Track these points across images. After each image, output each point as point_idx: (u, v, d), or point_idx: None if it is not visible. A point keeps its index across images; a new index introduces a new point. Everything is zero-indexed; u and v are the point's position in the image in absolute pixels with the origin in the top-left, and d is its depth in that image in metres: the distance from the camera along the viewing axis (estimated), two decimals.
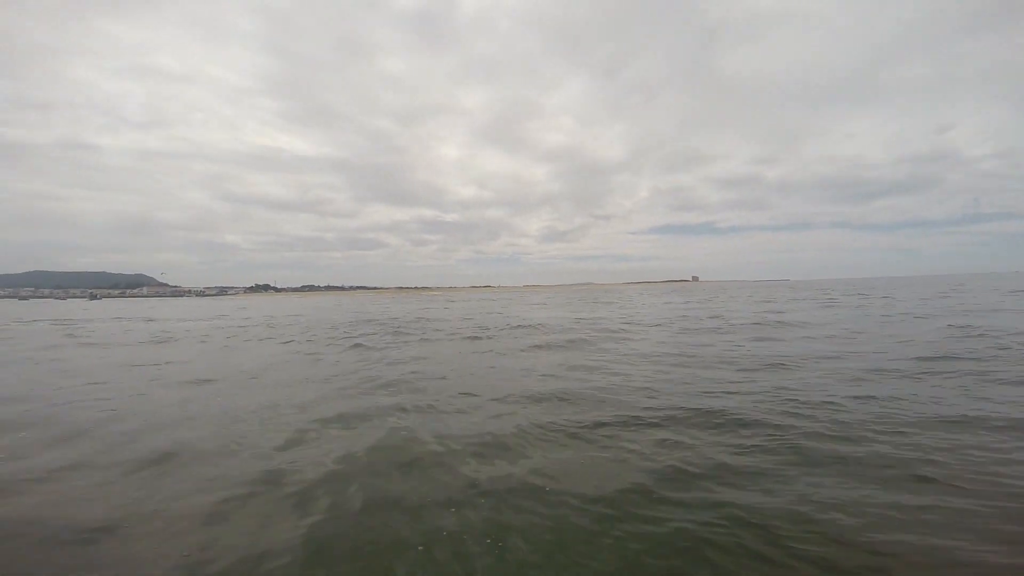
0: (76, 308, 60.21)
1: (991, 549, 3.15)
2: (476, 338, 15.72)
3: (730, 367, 9.30)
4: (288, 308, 47.25)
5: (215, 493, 4.10)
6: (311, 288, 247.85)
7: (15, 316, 37.44)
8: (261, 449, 5.15)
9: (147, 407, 7.03)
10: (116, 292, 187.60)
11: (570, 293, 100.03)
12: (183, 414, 6.60)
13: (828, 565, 3.02)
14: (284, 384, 8.61)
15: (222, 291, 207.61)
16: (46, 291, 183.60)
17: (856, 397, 6.65)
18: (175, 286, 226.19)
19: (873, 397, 6.63)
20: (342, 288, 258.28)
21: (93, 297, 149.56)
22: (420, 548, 3.26)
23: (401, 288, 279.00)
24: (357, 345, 14.17)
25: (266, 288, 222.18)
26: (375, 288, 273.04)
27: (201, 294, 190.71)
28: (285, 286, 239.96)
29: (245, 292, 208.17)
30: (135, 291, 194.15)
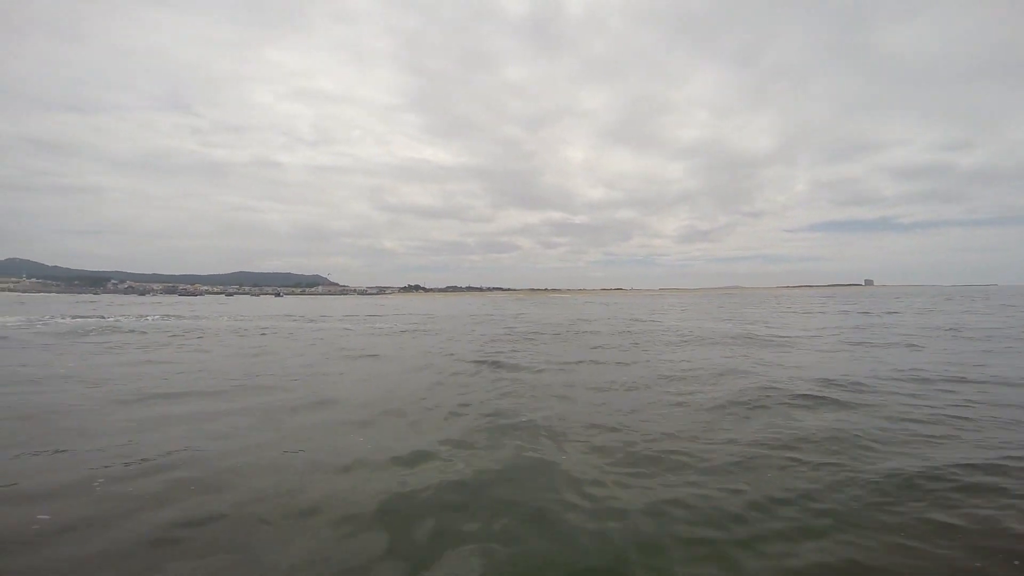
0: (274, 303, 72.06)
1: None
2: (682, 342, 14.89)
3: None
4: (452, 310, 50.14)
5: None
6: (454, 289, 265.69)
7: (271, 312, 45.11)
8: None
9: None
10: (298, 290, 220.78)
11: (715, 297, 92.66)
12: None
13: None
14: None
15: (380, 291, 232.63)
16: (246, 288, 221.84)
17: None
18: (343, 285, 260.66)
19: None
20: (480, 289, 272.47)
21: (277, 295, 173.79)
22: None
23: (532, 290, 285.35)
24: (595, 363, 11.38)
25: (416, 288, 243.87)
26: (508, 289, 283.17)
27: (364, 293, 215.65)
28: (432, 286, 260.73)
29: (399, 292, 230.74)
30: (312, 289, 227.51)
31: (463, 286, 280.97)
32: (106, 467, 4.55)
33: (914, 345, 13.48)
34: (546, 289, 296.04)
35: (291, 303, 77.12)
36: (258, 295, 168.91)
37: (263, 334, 18.73)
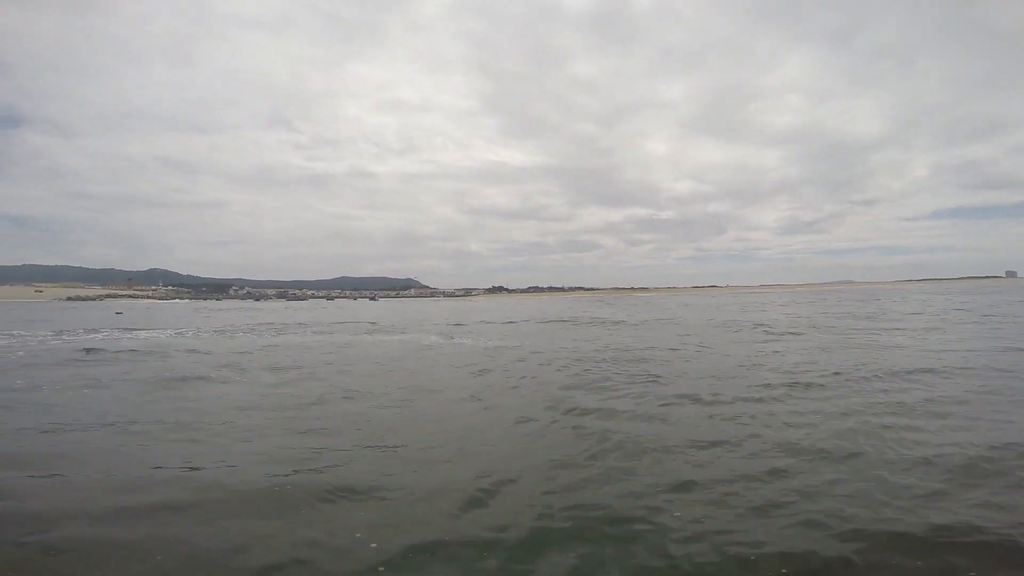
0: (370, 307, 76.73)
1: None
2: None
3: None
4: (536, 314, 50.03)
5: None
6: (536, 289, 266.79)
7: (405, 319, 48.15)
8: None
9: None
10: (392, 293, 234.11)
11: (829, 293, 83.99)
12: None
13: None
14: None
15: (467, 292, 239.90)
16: (347, 292, 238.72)
17: None
18: (433, 288, 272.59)
19: None
20: (562, 289, 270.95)
21: (373, 298, 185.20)
22: None
23: (617, 289, 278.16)
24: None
25: (500, 290, 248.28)
26: (591, 289, 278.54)
27: (452, 295, 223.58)
28: (515, 287, 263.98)
29: (484, 293, 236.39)
30: (406, 292, 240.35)
31: (544, 286, 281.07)
32: None
33: None
34: (631, 288, 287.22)
35: (384, 306, 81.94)
36: (356, 298, 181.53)
37: (328, 363, 14.71)
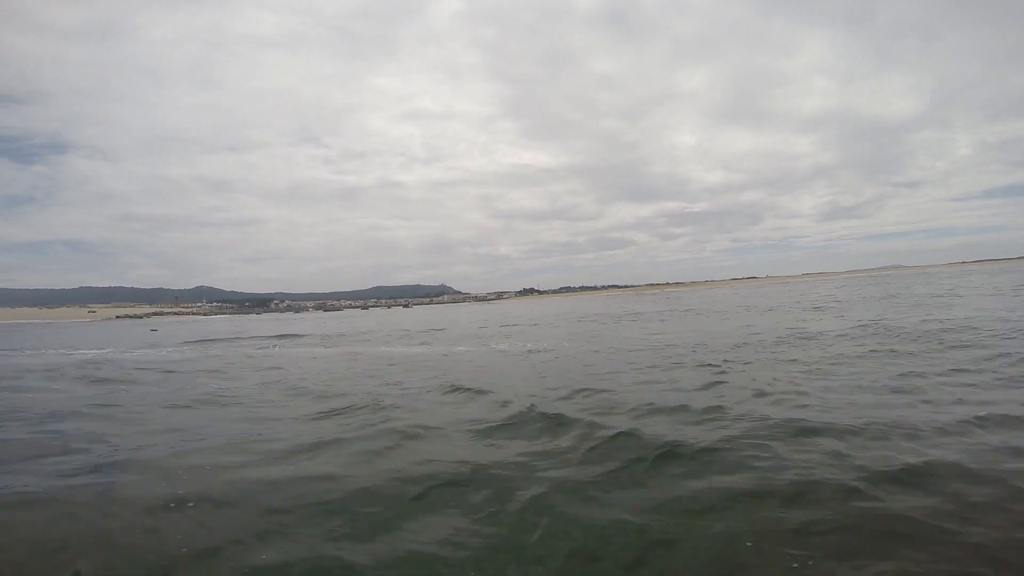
0: (403, 314, 76.68)
1: None
2: None
3: None
4: (564, 313, 48.44)
5: None
6: (567, 289, 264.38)
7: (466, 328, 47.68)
8: None
9: None
10: (427, 300, 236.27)
11: (877, 280, 78.67)
12: None
13: None
14: None
15: (498, 295, 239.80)
16: (383, 301, 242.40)
17: None
18: (465, 293, 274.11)
19: None
20: (595, 288, 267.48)
21: (406, 306, 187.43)
22: None
23: (652, 285, 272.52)
24: None
25: (531, 291, 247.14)
26: (625, 287, 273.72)
27: (484, 299, 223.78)
28: (546, 288, 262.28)
29: (516, 295, 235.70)
30: (439, 298, 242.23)
31: (576, 286, 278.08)
32: None
33: None
34: (667, 283, 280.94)
35: (417, 313, 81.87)
36: (390, 307, 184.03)
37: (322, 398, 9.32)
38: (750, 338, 14.50)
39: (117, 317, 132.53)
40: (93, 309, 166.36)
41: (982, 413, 5.53)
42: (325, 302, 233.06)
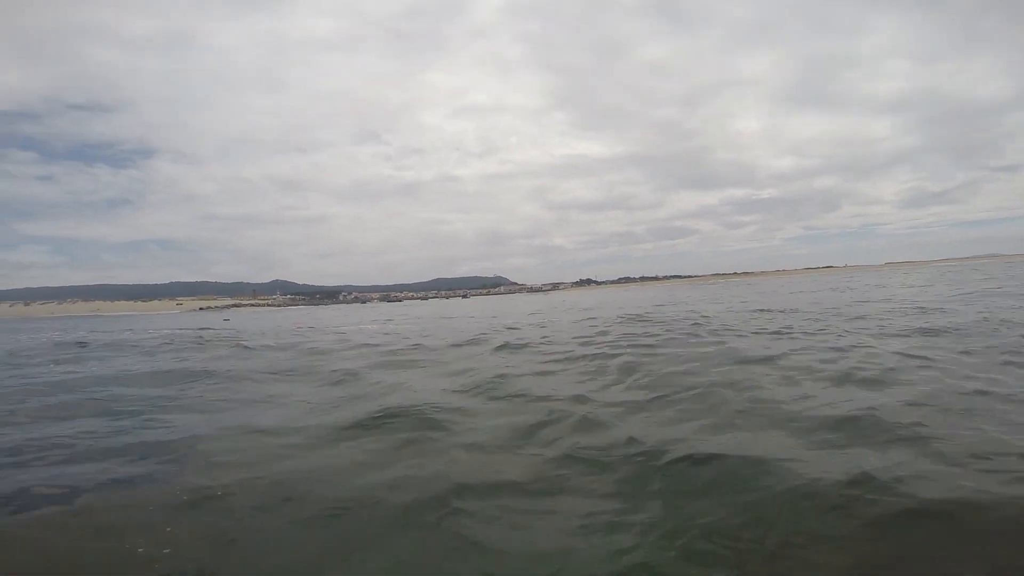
0: (462, 304, 76.83)
1: None
2: None
3: None
4: (622, 304, 46.27)
5: None
6: (626, 280, 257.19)
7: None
8: None
9: None
10: (483, 291, 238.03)
11: (981, 267, 69.54)
12: None
13: None
14: None
15: (554, 286, 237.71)
16: (443, 293, 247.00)
17: None
18: (521, 284, 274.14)
19: None
20: (655, 278, 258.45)
21: (464, 296, 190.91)
22: None
23: (717, 275, 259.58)
24: None
25: (588, 282, 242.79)
26: (689, 276, 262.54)
27: (538, 290, 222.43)
28: (604, 279, 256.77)
29: (572, 286, 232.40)
30: (496, 289, 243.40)
31: (636, 276, 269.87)
32: None
33: None
34: (734, 273, 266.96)
35: (474, 303, 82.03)
36: (448, 297, 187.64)
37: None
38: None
39: (200, 309, 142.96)
40: (180, 302, 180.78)
41: None
42: (389, 294, 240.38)
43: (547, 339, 12.06)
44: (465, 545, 2.66)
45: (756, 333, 10.47)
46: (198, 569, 2.51)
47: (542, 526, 2.87)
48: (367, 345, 12.81)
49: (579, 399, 5.55)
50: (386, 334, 16.99)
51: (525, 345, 10.88)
